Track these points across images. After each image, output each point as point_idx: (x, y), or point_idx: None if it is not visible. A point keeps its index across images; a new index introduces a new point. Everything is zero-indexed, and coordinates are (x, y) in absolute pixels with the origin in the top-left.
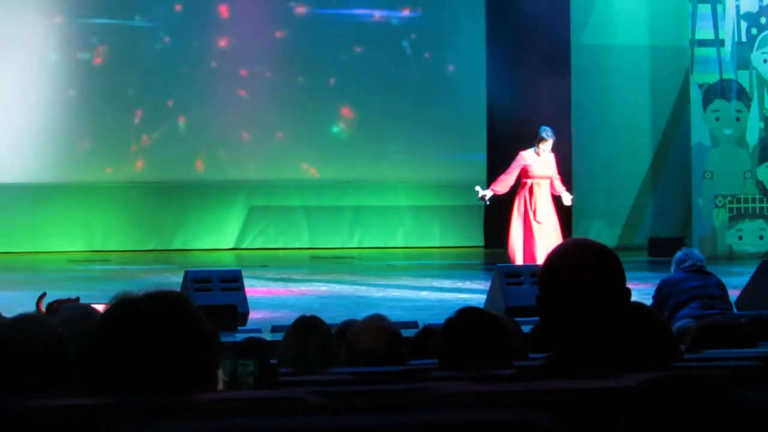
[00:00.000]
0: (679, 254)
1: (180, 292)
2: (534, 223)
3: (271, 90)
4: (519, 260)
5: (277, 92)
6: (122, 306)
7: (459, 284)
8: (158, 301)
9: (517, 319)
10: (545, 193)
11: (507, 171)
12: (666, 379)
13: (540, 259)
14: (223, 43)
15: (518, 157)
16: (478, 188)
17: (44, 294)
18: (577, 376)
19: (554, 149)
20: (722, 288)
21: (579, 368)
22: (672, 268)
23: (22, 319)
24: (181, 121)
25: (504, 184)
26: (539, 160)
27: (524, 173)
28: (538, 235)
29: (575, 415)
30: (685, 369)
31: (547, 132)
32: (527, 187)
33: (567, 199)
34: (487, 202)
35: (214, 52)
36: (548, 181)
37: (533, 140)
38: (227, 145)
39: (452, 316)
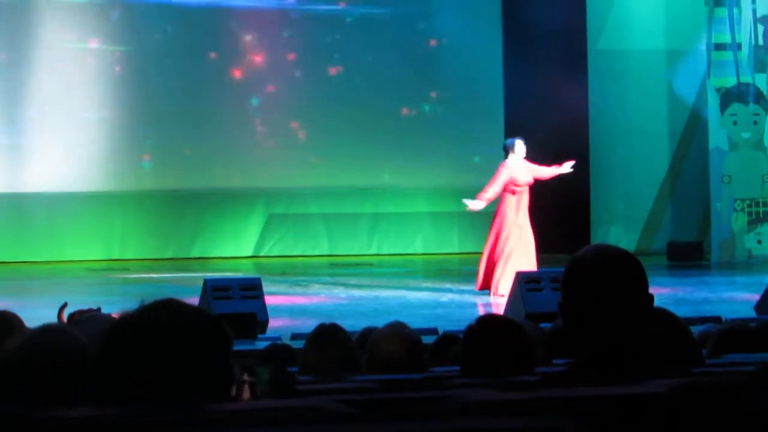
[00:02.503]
0: None
1: (176, 298)
2: (515, 229)
3: (288, 97)
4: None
5: (294, 99)
6: (121, 323)
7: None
8: (154, 311)
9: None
10: (524, 200)
11: (494, 180)
12: (691, 386)
13: (514, 264)
14: (239, 53)
15: (503, 167)
16: (465, 201)
17: (66, 304)
18: (602, 382)
19: (573, 154)
20: None
21: (603, 375)
22: None
23: (46, 331)
24: (199, 130)
25: (492, 191)
26: (521, 168)
27: (511, 182)
28: (515, 239)
29: (600, 422)
30: (708, 374)
31: (509, 141)
32: (514, 194)
33: (566, 166)
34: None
35: (231, 61)
36: (527, 188)
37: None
38: (245, 153)
39: (473, 324)
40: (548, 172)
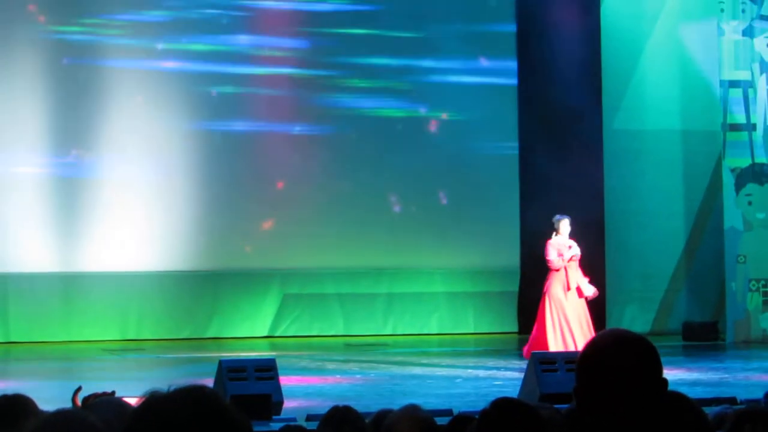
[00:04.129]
0: None
1: (209, 387)
2: (562, 303)
3: (304, 178)
4: (554, 346)
5: (309, 180)
6: (151, 406)
7: (493, 371)
8: (188, 398)
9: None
10: (578, 274)
11: (548, 256)
12: None
13: (577, 336)
14: (255, 133)
15: (549, 243)
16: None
17: (80, 388)
18: None
19: (589, 233)
20: None
21: None
22: None
23: (60, 416)
24: (215, 210)
25: (552, 263)
26: (563, 246)
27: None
28: (571, 313)
29: None
30: None
31: (555, 218)
32: (556, 271)
33: (588, 291)
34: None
35: (246, 141)
36: (573, 265)
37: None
38: (260, 233)
39: (487, 408)
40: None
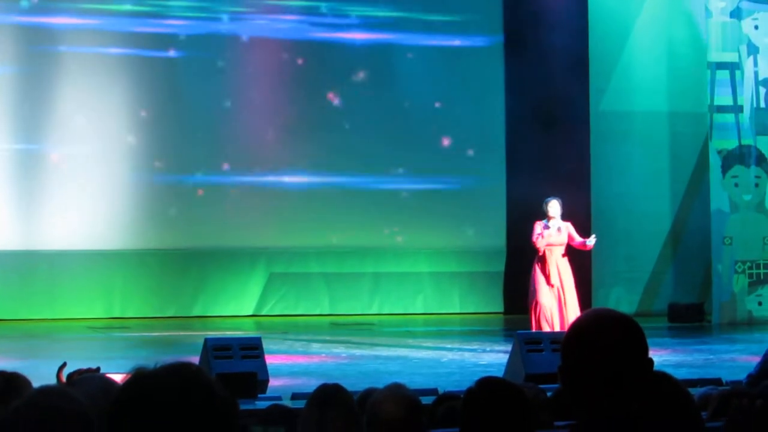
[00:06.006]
0: None
1: (196, 364)
2: (548, 288)
3: (291, 158)
4: (547, 327)
5: (296, 160)
6: (137, 382)
7: (479, 351)
8: (174, 375)
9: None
10: (557, 258)
11: (534, 239)
12: None
13: (566, 323)
14: (242, 111)
15: (536, 224)
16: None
17: (65, 364)
18: None
19: (575, 215)
20: None
21: None
22: None
23: (44, 392)
24: (200, 189)
25: (536, 243)
26: (552, 228)
27: (535, 240)
28: (553, 299)
29: None
30: None
31: (545, 201)
32: (541, 254)
33: (591, 240)
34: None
35: (232, 119)
36: (561, 248)
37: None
38: (246, 211)
39: (473, 387)
40: (576, 241)
